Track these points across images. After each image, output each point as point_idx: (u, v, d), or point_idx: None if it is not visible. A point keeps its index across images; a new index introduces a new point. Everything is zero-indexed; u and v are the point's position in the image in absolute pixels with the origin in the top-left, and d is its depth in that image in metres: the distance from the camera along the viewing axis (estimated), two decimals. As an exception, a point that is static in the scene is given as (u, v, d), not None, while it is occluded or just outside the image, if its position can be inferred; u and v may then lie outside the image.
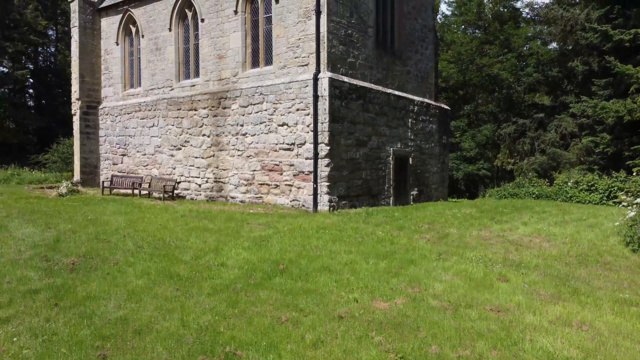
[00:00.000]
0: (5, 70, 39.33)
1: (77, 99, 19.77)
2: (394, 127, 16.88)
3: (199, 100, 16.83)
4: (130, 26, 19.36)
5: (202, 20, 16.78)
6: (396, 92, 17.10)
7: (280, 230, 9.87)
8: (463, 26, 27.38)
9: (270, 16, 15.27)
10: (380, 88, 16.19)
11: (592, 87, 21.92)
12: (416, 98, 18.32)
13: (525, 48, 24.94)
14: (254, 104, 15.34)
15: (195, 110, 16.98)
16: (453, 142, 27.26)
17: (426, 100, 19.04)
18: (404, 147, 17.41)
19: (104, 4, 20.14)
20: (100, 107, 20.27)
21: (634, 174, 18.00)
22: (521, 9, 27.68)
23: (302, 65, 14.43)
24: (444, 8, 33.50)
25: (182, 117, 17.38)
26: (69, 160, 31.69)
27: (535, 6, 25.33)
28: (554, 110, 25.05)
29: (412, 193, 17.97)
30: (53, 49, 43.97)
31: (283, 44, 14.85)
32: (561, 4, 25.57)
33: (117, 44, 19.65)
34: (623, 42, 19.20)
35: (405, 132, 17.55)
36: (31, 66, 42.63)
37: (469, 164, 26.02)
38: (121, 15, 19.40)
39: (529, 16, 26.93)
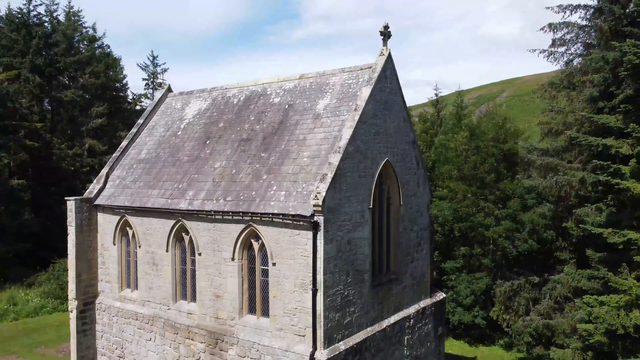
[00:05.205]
0: None
1: (73, 298, 19.77)
2: (389, 355, 16.97)
3: (196, 333, 16.87)
4: (127, 228, 19.39)
5: (200, 254, 16.83)
6: (392, 320, 17.17)
7: None
8: (457, 167, 27.55)
9: (267, 270, 15.35)
10: (376, 328, 16.25)
11: (587, 251, 22.04)
12: (412, 310, 18.40)
13: (520, 208, 25.12)
14: (252, 359, 15.41)
15: (192, 340, 17.02)
16: (449, 285, 27.41)
17: (422, 304, 19.11)
18: (400, 369, 17.51)
19: (99, 201, 20.12)
20: (97, 301, 20.27)
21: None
22: (513, 156, 27.83)
23: (299, 335, 14.50)
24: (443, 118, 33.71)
25: (180, 343, 17.42)
26: (63, 286, 31.78)
27: (531, 156, 25.52)
28: (548, 267, 25.23)
29: (408, 410, 18.08)
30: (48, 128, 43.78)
31: (280, 307, 14.91)
32: (557, 154, 25.74)
33: (114, 244, 19.67)
34: (616, 244, 19.35)
35: (401, 353, 17.64)
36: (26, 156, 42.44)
37: (465, 311, 26.15)
38: (118, 217, 19.41)
39: (525, 160, 27.10)
